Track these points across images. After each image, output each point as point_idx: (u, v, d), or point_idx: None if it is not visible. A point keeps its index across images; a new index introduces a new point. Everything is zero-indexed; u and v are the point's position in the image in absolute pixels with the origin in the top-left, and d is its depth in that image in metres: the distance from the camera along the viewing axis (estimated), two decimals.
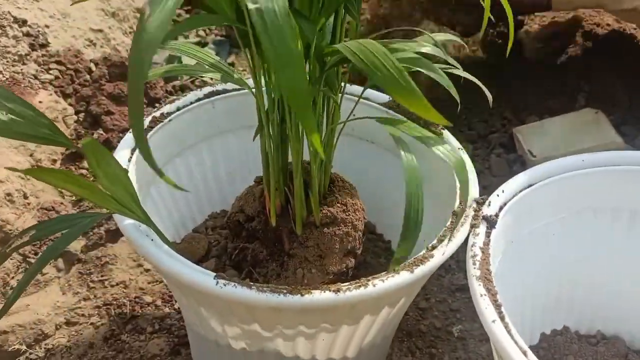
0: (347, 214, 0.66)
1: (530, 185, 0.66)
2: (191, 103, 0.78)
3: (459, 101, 0.54)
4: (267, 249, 0.70)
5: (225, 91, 0.81)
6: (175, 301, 0.90)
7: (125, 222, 0.60)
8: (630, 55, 1.26)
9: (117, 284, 0.90)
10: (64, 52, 1.04)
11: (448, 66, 0.56)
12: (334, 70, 0.55)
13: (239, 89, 0.81)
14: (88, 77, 1.03)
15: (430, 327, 0.87)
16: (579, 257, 0.72)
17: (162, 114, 0.75)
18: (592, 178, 0.68)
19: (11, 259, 0.83)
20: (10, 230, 0.81)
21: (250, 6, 0.33)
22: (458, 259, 0.98)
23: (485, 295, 0.53)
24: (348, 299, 0.52)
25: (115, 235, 0.93)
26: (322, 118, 0.60)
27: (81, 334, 0.85)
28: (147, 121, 0.74)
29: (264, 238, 0.70)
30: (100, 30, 1.17)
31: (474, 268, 0.56)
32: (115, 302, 0.88)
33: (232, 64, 1.34)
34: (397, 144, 0.53)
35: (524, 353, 0.48)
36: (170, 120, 0.76)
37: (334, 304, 0.52)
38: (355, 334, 0.62)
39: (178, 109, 0.78)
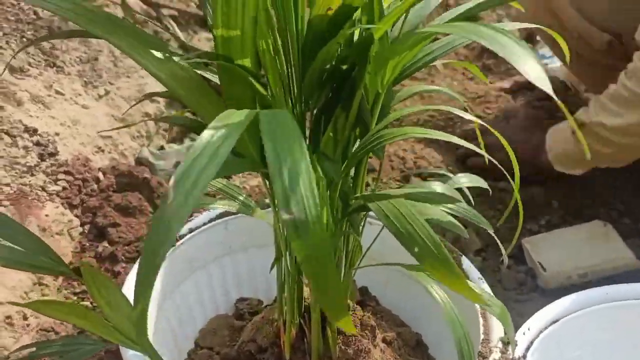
0: (370, 350, 0.63)
1: (556, 321, 0.64)
2: (204, 224, 0.77)
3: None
4: None
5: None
6: None
7: (130, 354, 0.57)
8: None
9: None
10: (72, 160, 1.04)
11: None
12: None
13: None
14: (95, 186, 1.03)
15: None
16: None
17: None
18: (617, 312, 0.66)
19: None
20: (7, 356, 0.77)
21: (284, 216, 0.32)
22: None
23: None
24: None
25: (117, 356, 0.88)
26: (342, 257, 0.58)
27: None
28: None
29: None
30: (109, 137, 1.17)
31: None
32: None
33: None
34: (432, 296, 0.51)
35: None
36: (182, 244, 0.74)
37: None
38: None
39: (190, 231, 0.76)
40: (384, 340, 0.71)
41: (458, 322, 0.51)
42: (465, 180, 0.55)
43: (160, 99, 1.37)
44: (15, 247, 0.53)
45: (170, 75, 0.41)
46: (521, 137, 1.19)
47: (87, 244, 0.96)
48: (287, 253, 0.62)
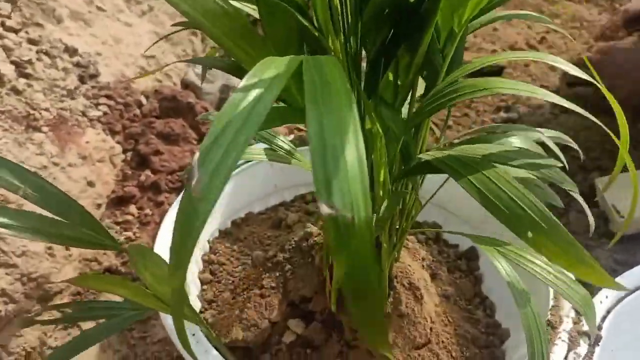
0: (416, 306, 0.58)
1: (637, 289, 0.56)
2: (249, 161, 0.72)
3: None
4: (324, 334, 0.62)
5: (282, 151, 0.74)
6: None
7: (170, 321, 0.54)
8: None
9: (159, 341, 0.84)
10: (114, 83, 0.99)
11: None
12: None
13: None
14: (138, 111, 0.98)
15: None
16: None
17: None
18: None
19: (50, 316, 0.77)
20: (49, 287, 0.76)
21: (325, 210, 0.25)
22: None
23: None
24: None
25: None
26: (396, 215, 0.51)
27: None
28: None
29: (322, 321, 0.63)
30: (153, 56, 1.11)
31: None
32: None
33: None
34: (507, 282, 0.43)
35: None
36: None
37: None
38: None
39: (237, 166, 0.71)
40: (440, 294, 0.66)
41: (524, 293, 0.44)
42: (552, 134, 0.47)
43: None
44: (61, 219, 0.47)
45: (199, 10, 0.34)
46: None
47: (129, 172, 0.92)
48: None
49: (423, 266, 0.69)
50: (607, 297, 0.55)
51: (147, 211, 0.89)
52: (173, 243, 0.28)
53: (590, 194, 1.05)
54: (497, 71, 1.28)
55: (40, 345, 0.77)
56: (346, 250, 0.25)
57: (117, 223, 0.87)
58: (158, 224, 0.89)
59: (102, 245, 0.46)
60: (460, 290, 0.69)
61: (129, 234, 0.86)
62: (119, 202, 0.89)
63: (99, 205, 0.87)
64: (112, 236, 0.50)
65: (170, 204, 0.91)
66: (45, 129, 0.85)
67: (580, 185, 1.07)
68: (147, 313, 0.51)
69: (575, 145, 0.49)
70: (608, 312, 0.55)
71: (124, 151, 0.94)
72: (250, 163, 0.72)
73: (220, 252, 0.69)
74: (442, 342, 0.62)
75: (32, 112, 0.85)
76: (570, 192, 0.47)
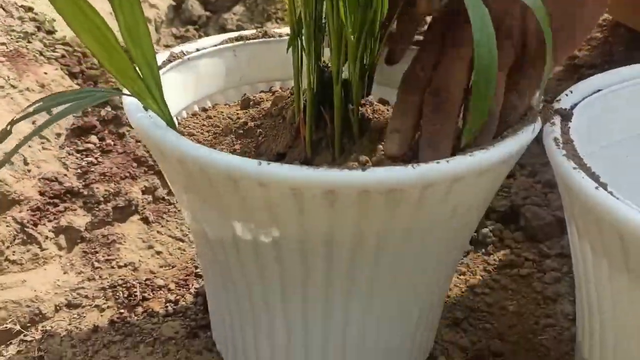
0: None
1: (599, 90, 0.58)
2: (214, 46, 0.72)
3: None
4: None
5: (245, 38, 0.75)
6: (191, 285, 0.79)
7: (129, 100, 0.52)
8: None
9: (125, 265, 0.80)
10: (70, 39, 0.99)
11: None
12: None
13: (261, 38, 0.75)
14: (96, 61, 0.98)
15: None
16: None
17: (181, 51, 0.69)
18: None
19: (7, 226, 0.73)
20: (8, 191, 0.72)
21: None
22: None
23: (577, 168, 0.45)
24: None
25: (123, 213, 0.83)
26: None
27: (84, 316, 0.74)
28: (165, 56, 0.67)
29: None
30: None
31: (558, 149, 0.47)
32: (123, 284, 0.77)
33: None
34: None
35: None
36: (187, 60, 0.69)
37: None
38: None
39: (197, 50, 0.71)
40: None
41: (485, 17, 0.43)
42: None
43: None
44: None
45: None
46: None
47: (90, 109, 0.90)
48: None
49: None
50: (572, 92, 0.57)
51: (109, 141, 0.87)
52: None
53: None
54: None
55: None
56: None
57: (78, 151, 0.85)
58: (120, 153, 0.87)
59: None
60: None
61: (91, 159, 0.84)
62: (79, 132, 0.86)
63: (58, 135, 0.85)
64: None
65: (132, 137, 0.90)
66: (2, 58, 0.84)
67: None
68: (115, 94, 0.50)
69: None
70: (575, 104, 0.56)
71: None
72: (212, 49, 0.72)
73: (190, 125, 0.68)
74: None
75: None
76: None
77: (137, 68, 0.49)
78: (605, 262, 0.46)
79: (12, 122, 0.49)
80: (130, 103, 0.53)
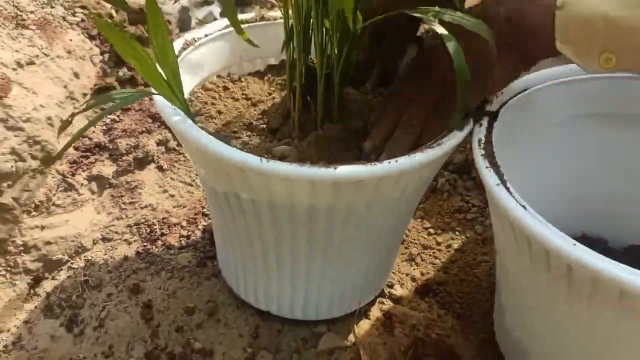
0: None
1: (526, 89, 0.74)
2: (219, 30, 0.86)
3: None
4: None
5: (245, 21, 0.89)
6: (199, 222, 0.98)
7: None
8: None
9: (146, 207, 0.98)
10: (86, 0, 1.11)
11: None
12: None
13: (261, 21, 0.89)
14: (110, 21, 1.10)
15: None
16: (580, 166, 0.80)
17: (193, 38, 0.83)
18: (591, 84, 0.75)
19: (52, 177, 0.90)
20: (52, 149, 0.88)
21: None
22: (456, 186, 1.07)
23: (489, 167, 0.62)
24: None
25: (142, 162, 1.00)
26: None
27: (116, 248, 0.92)
28: (180, 43, 0.81)
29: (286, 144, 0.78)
30: None
31: (479, 148, 0.64)
32: (145, 222, 0.96)
33: None
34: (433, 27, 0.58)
35: (524, 207, 0.57)
36: (197, 47, 0.83)
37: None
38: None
39: (206, 36, 0.85)
40: None
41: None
42: None
43: None
44: None
45: None
46: None
47: (108, 70, 1.05)
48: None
49: None
50: (502, 92, 0.72)
51: None
52: None
53: None
54: None
55: (46, 201, 0.90)
56: None
57: (103, 109, 1.00)
58: (137, 111, 1.02)
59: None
60: None
61: (114, 116, 0.99)
62: (102, 91, 1.01)
63: (84, 95, 1.00)
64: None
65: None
66: (33, 27, 0.97)
67: None
68: (146, 95, 0.65)
69: None
70: (504, 103, 0.72)
71: (102, 53, 1.07)
72: (217, 33, 0.86)
73: (202, 96, 0.84)
74: None
75: (19, 13, 0.97)
76: None
77: (165, 77, 0.64)
78: (508, 244, 0.64)
79: (73, 115, 0.65)
80: (160, 100, 0.68)
